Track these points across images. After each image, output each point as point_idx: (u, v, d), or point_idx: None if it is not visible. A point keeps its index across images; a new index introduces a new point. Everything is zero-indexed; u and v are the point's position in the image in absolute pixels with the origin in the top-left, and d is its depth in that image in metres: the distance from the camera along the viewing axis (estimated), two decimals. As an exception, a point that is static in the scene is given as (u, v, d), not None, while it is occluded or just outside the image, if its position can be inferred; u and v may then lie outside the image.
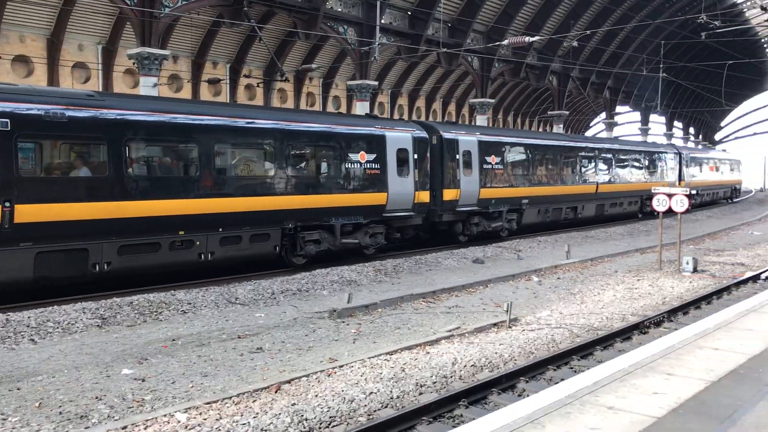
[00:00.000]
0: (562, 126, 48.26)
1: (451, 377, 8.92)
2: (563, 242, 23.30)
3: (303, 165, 17.71)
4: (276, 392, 8.01)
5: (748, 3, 40.55)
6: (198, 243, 14.85)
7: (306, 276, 15.89)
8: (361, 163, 18.70)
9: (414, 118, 51.01)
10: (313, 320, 12.18)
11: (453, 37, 37.70)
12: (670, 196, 18.57)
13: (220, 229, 15.26)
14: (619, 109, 61.91)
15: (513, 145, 25.56)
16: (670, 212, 18.74)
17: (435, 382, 8.65)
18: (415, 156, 20.26)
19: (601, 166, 32.23)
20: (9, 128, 12.04)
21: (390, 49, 36.86)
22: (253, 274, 16.35)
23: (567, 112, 52.48)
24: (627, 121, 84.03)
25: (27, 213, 12.17)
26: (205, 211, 14.95)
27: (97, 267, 13.27)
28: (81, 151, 13.53)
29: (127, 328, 11.42)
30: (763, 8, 20.71)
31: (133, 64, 26.90)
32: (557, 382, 8.01)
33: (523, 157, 26.14)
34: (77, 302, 12.53)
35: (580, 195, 29.73)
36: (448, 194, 21.77)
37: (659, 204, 18.71)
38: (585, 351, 10.30)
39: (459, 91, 55.18)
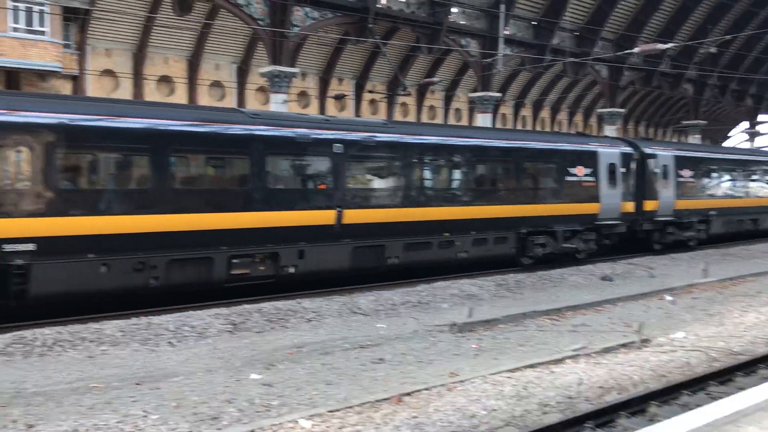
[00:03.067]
0: (699, 136, 45.64)
1: (577, 398, 8.60)
2: (699, 260, 21.94)
3: (534, 179, 20.50)
4: (397, 404, 8.05)
5: None
6: (457, 243, 17.76)
7: (426, 288, 15.92)
8: (578, 177, 20.94)
9: (538, 128, 50.03)
10: (434, 333, 12.17)
11: (580, 45, 36.70)
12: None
13: (473, 233, 18.00)
14: (762, 118, 57.69)
15: (703, 159, 27.15)
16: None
17: (559, 402, 8.37)
18: (622, 170, 22.26)
19: None
20: (343, 151, 15.69)
21: (513, 59, 36.39)
22: (376, 284, 16.58)
23: (704, 122, 49.57)
24: (772, 131, 78.13)
25: (354, 216, 15.74)
26: (464, 217, 17.92)
27: (389, 260, 16.51)
28: (385, 167, 17.11)
29: (255, 334, 11.90)
30: None
31: (265, 81, 28.20)
32: (692, 409, 7.53)
33: (712, 170, 27.59)
34: (211, 308, 13.21)
35: (762, 207, 30.30)
36: (648, 205, 23.47)
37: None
38: (724, 377, 9.61)
39: (586, 101, 53.59)
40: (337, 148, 15.63)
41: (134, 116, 13.19)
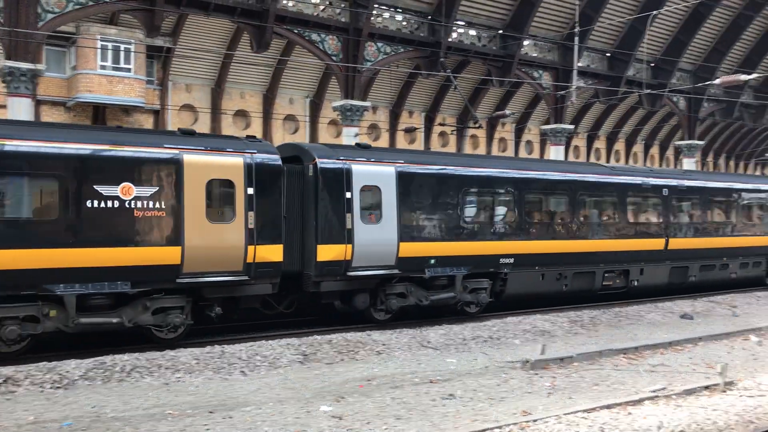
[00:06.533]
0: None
1: (657, 442, 8.22)
2: (787, 299, 20.84)
3: None
4: (468, 442, 7.89)
5: None
6: (731, 266, 22.58)
7: (497, 323, 15.66)
8: None
9: (612, 162, 48.97)
10: (505, 370, 11.92)
11: (656, 77, 35.94)
12: None
13: (740, 258, 22.86)
14: None
15: None
16: None
17: (638, 447, 8.02)
18: None
19: None
20: (668, 194, 20.73)
21: (587, 91, 35.90)
22: (444, 318, 16.44)
23: (790, 154, 47.45)
24: None
25: (675, 243, 20.71)
26: (735, 245, 22.57)
27: (690, 278, 21.32)
28: (690, 206, 21.79)
29: (326, 366, 11.94)
30: None
31: (337, 115, 28.70)
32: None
33: None
34: (282, 338, 13.37)
35: None
36: None
37: None
38: (819, 425, 9.03)
39: (663, 132, 52.20)
40: (665, 191, 20.65)
41: (552, 170, 18.69)
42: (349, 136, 26.99)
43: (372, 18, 27.74)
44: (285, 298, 14.66)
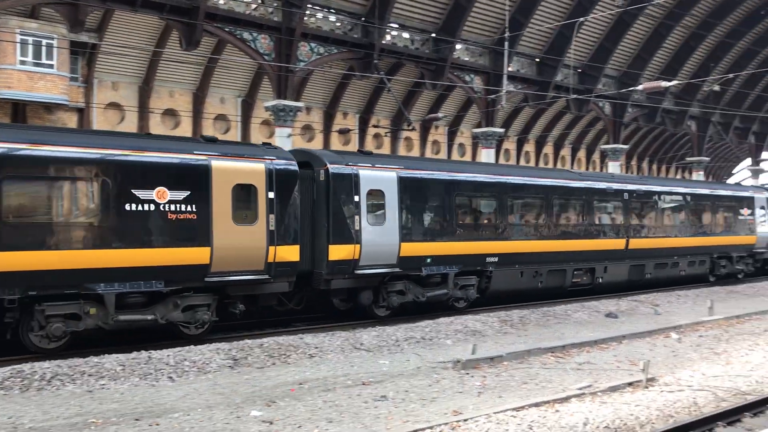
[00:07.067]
0: (702, 173, 45.68)
1: (583, 439, 8.43)
2: (705, 297, 21.78)
3: (718, 217, 26.79)
4: (399, 443, 7.90)
5: None
6: (680, 264, 24.76)
7: (430, 324, 15.77)
8: (744, 216, 27.58)
9: (541, 165, 50.17)
10: (437, 370, 12.01)
11: (583, 82, 37.00)
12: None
13: (688, 257, 25.02)
14: (766, 155, 57.86)
15: None
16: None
17: (565, 443, 8.21)
18: (761, 210, 28.55)
19: None
20: (628, 198, 22.62)
21: (516, 96, 36.67)
22: (377, 320, 16.45)
23: (707, 159, 49.67)
24: (775, 168, 78.11)
25: (634, 243, 22.56)
26: (686, 245, 24.93)
27: (646, 275, 23.26)
28: (645, 208, 23.89)
29: (257, 370, 11.75)
30: None
31: (270, 115, 28.36)
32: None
33: None
34: (212, 342, 13.09)
35: None
36: None
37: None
38: (731, 417, 9.44)
39: (589, 137, 53.81)
40: (625, 195, 22.54)
41: (531, 176, 20.62)
42: (282, 136, 26.70)
43: (305, 18, 27.54)
44: (295, 295, 15.53)
